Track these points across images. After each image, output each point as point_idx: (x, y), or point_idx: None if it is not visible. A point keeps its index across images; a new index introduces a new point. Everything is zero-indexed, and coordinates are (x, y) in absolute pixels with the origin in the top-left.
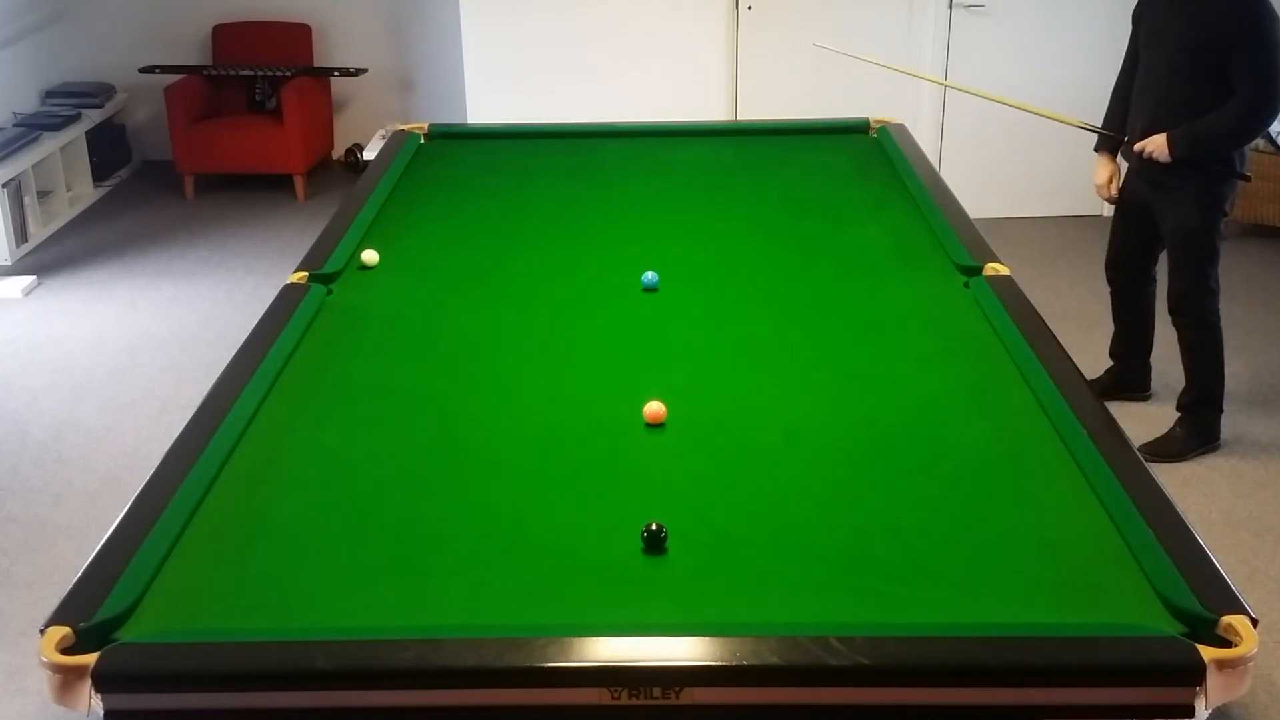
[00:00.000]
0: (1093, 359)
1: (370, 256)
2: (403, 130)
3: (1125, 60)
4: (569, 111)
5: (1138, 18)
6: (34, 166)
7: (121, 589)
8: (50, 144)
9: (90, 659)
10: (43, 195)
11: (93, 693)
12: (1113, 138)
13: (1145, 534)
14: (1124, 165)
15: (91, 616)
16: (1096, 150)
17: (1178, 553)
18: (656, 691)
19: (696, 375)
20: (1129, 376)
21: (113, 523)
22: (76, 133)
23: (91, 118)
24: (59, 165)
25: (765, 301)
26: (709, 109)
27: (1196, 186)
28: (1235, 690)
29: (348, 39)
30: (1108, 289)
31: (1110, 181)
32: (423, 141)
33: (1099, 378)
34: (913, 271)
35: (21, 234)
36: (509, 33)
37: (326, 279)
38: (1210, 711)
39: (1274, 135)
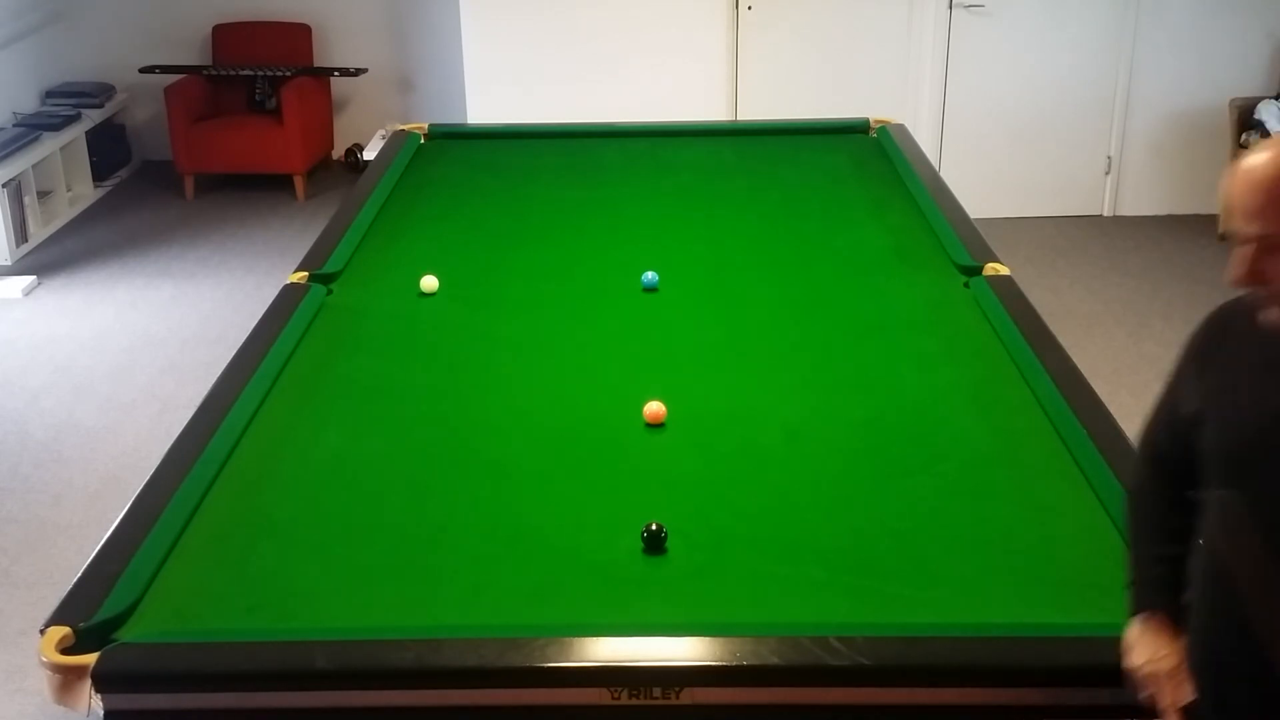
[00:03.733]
0: (1093, 359)
1: (429, 284)
2: (403, 130)
3: (1154, 431)
4: (569, 111)
5: (1200, 366)
6: (34, 166)
7: (121, 589)
8: (50, 144)
9: (90, 659)
10: (43, 195)
11: (93, 693)
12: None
13: None
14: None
15: (91, 616)
16: (1138, 612)
17: None
18: (656, 691)
19: (696, 375)
20: None
21: (113, 523)
22: (76, 133)
23: (91, 118)
24: (59, 165)
25: (765, 301)
26: (709, 109)
27: None
28: None
29: (348, 39)
30: (1107, 289)
31: (1161, 663)
32: (423, 141)
33: None
34: (913, 271)
35: (21, 234)
36: (509, 33)
37: (326, 279)
38: None
39: (1273, 133)
